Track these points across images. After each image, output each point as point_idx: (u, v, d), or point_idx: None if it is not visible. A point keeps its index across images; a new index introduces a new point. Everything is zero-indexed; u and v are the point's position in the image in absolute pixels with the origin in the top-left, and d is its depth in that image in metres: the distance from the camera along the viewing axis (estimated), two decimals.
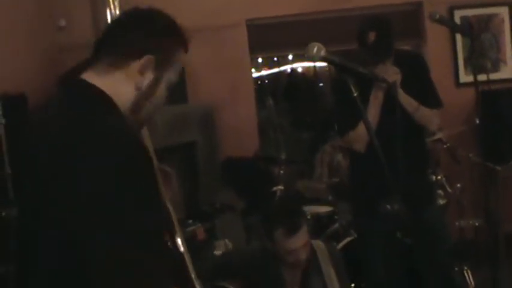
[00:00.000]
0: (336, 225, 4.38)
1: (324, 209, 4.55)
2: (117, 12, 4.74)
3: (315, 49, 1.88)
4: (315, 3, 5.54)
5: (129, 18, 1.54)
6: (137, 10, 1.55)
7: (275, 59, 9.15)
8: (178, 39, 1.56)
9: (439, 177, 4.32)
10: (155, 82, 1.50)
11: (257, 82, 8.62)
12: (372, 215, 3.17)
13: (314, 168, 5.15)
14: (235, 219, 4.98)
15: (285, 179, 4.57)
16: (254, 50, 5.74)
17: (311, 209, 4.58)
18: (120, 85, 1.47)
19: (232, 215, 4.95)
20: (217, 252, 4.57)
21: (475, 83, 2.55)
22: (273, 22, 5.69)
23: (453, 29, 2.91)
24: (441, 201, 4.23)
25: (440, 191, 4.27)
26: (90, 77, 1.46)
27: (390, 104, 2.91)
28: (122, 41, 1.49)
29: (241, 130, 5.65)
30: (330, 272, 3.04)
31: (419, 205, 3.11)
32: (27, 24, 4.74)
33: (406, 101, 3.01)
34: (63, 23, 5.40)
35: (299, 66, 9.56)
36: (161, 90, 1.53)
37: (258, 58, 7.82)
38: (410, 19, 5.57)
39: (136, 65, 1.47)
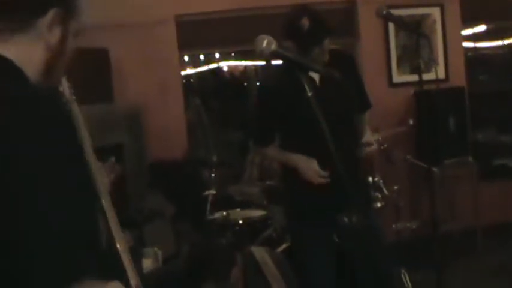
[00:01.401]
0: (270, 230, 4.23)
1: (256, 213, 4.38)
2: None
3: (265, 43, 1.67)
4: (245, 0, 5.37)
5: None
6: None
7: (201, 57, 8.95)
8: None
9: (375, 179, 4.22)
10: (64, 37, 1.34)
11: (183, 81, 8.43)
12: (312, 220, 3.05)
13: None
14: (165, 225, 4.75)
15: (216, 183, 4.36)
16: (183, 48, 5.52)
17: (243, 214, 4.41)
18: (27, 49, 1.28)
19: (161, 221, 4.73)
20: (146, 261, 4.35)
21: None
22: (202, 19, 5.50)
23: (400, 25, 2.78)
24: (378, 204, 4.13)
25: (377, 194, 4.17)
26: None
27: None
28: (16, 2, 1.27)
29: (169, 131, 5.43)
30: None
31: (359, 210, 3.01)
32: None
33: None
34: None
35: (225, 64, 9.42)
36: (70, 43, 1.37)
37: (183, 56, 7.60)
38: (344, 18, 5.48)
39: (42, 22, 1.28)
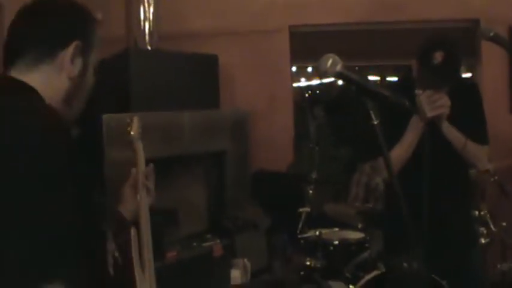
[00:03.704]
0: (365, 254, 4.02)
1: (354, 236, 4.20)
2: (151, 8, 4.58)
3: (329, 63, 1.53)
4: (365, 13, 5.20)
5: (37, 11, 1.44)
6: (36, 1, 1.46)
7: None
8: (87, 15, 1.50)
9: (482, 213, 3.91)
10: (85, 67, 1.45)
11: (306, 92, 8.37)
12: (404, 252, 2.82)
13: (349, 189, 4.79)
14: (258, 237, 4.67)
15: (313, 200, 4.22)
16: (296, 59, 5.41)
17: (340, 234, 4.25)
18: (49, 79, 1.39)
19: (255, 233, 4.65)
20: (235, 272, 4.29)
21: None
22: (317, 30, 5.37)
23: (508, 50, 2.52)
24: (483, 240, 3.83)
25: (482, 229, 3.86)
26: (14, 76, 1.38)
27: (433, 135, 2.57)
28: (43, 32, 1.40)
29: (276, 142, 5.35)
30: None
31: (461, 247, 2.82)
32: None
33: (452, 135, 2.65)
34: (99, 16, 5.21)
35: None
36: (90, 75, 1.49)
37: (307, 67, 7.49)
38: (465, 37, 5.15)
39: (65, 53, 1.40)
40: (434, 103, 2.56)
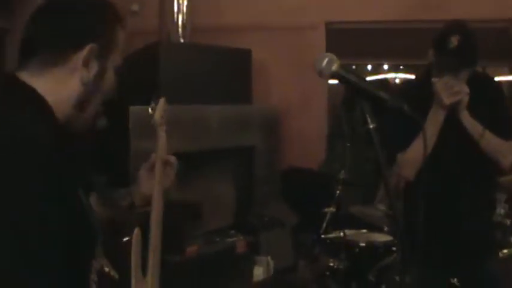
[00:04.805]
0: (391, 258, 3.93)
1: (381, 238, 4.10)
2: (185, 1, 4.57)
3: (325, 62, 1.47)
4: (402, 11, 5.08)
5: (53, 11, 1.35)
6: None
7: (369, 67, 8.68)
8: (109, 16, 1.38)
9: None
10: (101, 71, 1.36)
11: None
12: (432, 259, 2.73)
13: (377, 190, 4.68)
14: (284, 236, 4.62)
15: (339, 201, 4.14)
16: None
17: (366, 236, 4.16)
18: (61, 83, 1.30)
19: (281, 231, 4.61)
20: (258, 268, 4.26)
21: None
22: (353, 27, 5.28)
23: None
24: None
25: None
26: (24, 78, 1.30)
27: (452, 127, 2.48)
28: (57, 34, 1.31)
29: (307, 140, 5.29)
30: None
31: (477, 253, 2.68)
32: None
33: (470, 125, 2.53)
34: (136, 7, 5.25)
35: (394, 76, 9.03)
36: (108, 79, 1.39)
37: (353, 65, 7.37)
38: (501, 38, 4.99)
39: (78, 57, 1.30)
40: (451, 89, 2.46)
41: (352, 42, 5.35)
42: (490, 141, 2.55)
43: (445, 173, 2.59)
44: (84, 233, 1.27)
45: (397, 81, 9.00)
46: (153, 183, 1.88)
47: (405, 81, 7.97)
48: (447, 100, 2.44)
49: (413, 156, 2.48)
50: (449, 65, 2.49)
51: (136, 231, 1.77)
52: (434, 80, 2.52)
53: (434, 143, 2.51)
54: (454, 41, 2.44)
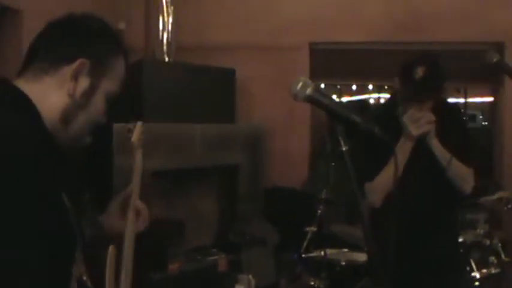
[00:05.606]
0: (365, 279, 3.96)
1: (362, 257, 4.12)
2: (170, 19, 4.61)
3: (299, 85, 1.50)
4: (387, 32, 5.15)
5: (62, 24, 1.41)
6: (70, 15, 1.42)
7: (354, 87, 8.74)
8: (113, 42, 1.43)
9: (494, 241, 3.80)
10: (91, 90, 1.38)
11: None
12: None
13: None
14: (266, 254, 4.63)
15: (321, 220, 4.17)
16: (315, 76, 5.38)
17: (347, 255, 4.18)
18: (49, 92, 1.34)
19: (263, 250, 4.61)
20: (239, 287, 4.25)
21: None
22: (338, 48, 5.33)
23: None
24: (493, 270, 3.72)
25: (492, 258, 3.76)
26: (19, 84, 1.34)
27: (420, 156, 2.54)
28: (53, 45, 1.37)
29: (291, 159, 5.33)
30: None
31: (442, 273, 2.70)
32: None
33: (439, 152, 2.59)
34: (122, 25, 5.27)
35: (377, 97, 9.10)
36: (98, 101, 1.40)
37: (337, 85, 7.42)
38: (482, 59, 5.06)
39: (68, 69, 1.34)
40: (418, 121, 2.52)
41: (337, 62, 5.41)
42: (456, 168, 2.61)
43: (411, 197, 2.62)
44: (65, 235, 1.27)
45: (382, 101, 9.08)
46: (123, 223, 1.83)
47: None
48: (415, 132, 2.51)
49: (381, 182, 2.54)
50: (415, 95, 2.54)
51: (111, 248, 1.77)
52: (400, 110, 2.59)
53: (401, 170, 2.56)
54: (420, 71, 2.49)
